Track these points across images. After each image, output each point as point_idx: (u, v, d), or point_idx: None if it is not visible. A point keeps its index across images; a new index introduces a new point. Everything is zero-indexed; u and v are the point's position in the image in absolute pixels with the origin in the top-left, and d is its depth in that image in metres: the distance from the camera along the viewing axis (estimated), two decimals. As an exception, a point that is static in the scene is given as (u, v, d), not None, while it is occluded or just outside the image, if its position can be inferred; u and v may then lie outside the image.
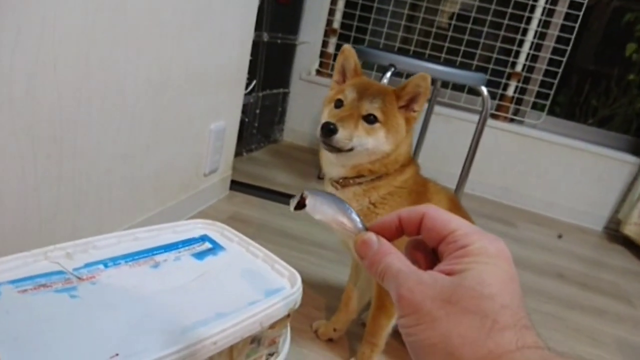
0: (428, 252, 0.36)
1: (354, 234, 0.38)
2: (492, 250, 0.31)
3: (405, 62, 1.65)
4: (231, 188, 1.89)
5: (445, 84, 2.50)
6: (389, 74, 1.64)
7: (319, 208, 0.39)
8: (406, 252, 0.36)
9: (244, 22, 1.56)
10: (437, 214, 0.35)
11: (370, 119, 0.83)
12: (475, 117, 2.50)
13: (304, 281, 0.76)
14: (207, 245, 0.83)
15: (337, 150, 0.82)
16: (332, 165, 0.89)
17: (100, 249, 0.73)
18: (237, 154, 1.91)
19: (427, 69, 1.67)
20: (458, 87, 2.56)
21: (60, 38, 0.82)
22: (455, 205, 0.98)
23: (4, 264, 0.62)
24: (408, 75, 2.53)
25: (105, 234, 1.12)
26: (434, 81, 2.16)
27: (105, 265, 0.70)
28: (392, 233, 0.37)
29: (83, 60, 0.89)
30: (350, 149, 0.82)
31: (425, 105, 2.30)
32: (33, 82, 0.80)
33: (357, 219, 0.38)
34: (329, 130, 0.80)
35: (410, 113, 0.88)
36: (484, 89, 1.76)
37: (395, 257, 0.34)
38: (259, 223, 1.64)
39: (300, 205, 0.40)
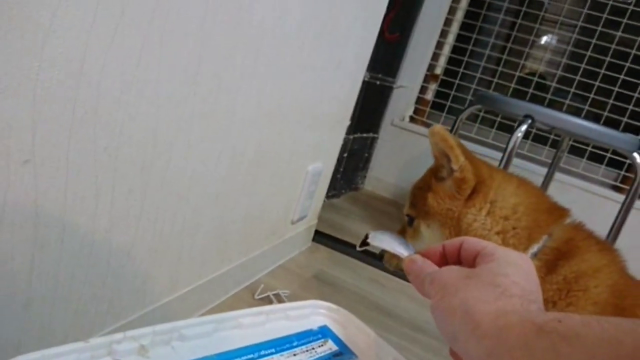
0: None
1: (404, 256, 0.44)
2: (515, 256, 0.37)
3: (546, 114, 1.36)
4: (314, 239, 1.64)
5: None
6: (524, 128, 1.35)
7: (379, 237, 0.47)
8: None
9: (361, 54, 1.35)
10: (474, 239, 0.40)
11: (410, 221, 0.74)
12: (596, 188, 2.15)
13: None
14: (331, 345, 0.56)
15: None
16: None
17: (188, 341, 0.48)
18: (322, 200, 1.68)
19: (574, 125, 1.38)
20: (576, 151, 2.21)
21: (170, 34, 0.62)
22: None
23: (47, 362, 0.38)
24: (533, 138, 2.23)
25: (180, 289, 0.90)
26: (561, 141, 1.85)
27: (194, 372, 0.45)
28: (438, 259, 0.43)
29: (192, 70, 0.69)
30: None
31: (539, 169, 1.98)
32: (128, 90, 0.60)
33: (410, 247, 0.46)
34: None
35: (454, 175, 0.66)
36: (637, 156, 1.43)
37: (435, 268, 0.40)
38: (348, 289, 1.36)
39: (364, 243, 0.48)
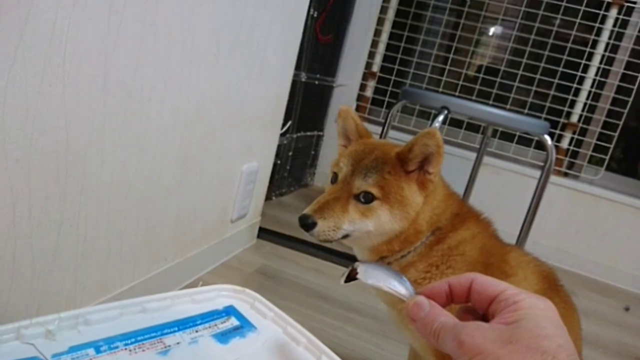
0: (478, 317, 0.38)
1: (405, 297, 0.40)
2: (542, 305, 0.34)
3: (460, 105, 1.48)
4: (259, 236, 1.71)
5: (493, 132, 2.32)
6: (441, 118, 1.46)
7: (371, 273, 0.41)
8: (457, 317, 0.38)
9: (285, 57, 1.43)
10: (486, 278, 0.38)
11: (365, 198, 0.70)
12: (525, 169, 2.32)
13: (339, 356, 0.57)
14: (234, 321, 0.64)
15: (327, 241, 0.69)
16: (354, 248, 0.77)
17: (93, 325, 0.55)
18: (266, 197, 1.75)
19: (486, 113, 1.50)
20: (506, 136, 2.37)
21: (72, 53, 0.68)
22: (551, 285, 0.76)
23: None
24: (457, 123, 2.38)
25: (112, 291, 0.95)
26: (485, 128, 1.98)
27: (98, 350, 0.51)
28: (442, 299, 0.39)
29: (99, 84, 0.75)
30: (345, 236, 0.69)
31: (473, 155, 2.12)
32: (34, 106, 0.65)
33: (409, 284, 0.41)
34: (305, 225, 0.68)
35: (424, 176, 0.71)
36: (548, 139, 1.56)
37: (449, 317, 0.37)
38: (289, 280, 1.44)
39: (351, 277, 0.42)
